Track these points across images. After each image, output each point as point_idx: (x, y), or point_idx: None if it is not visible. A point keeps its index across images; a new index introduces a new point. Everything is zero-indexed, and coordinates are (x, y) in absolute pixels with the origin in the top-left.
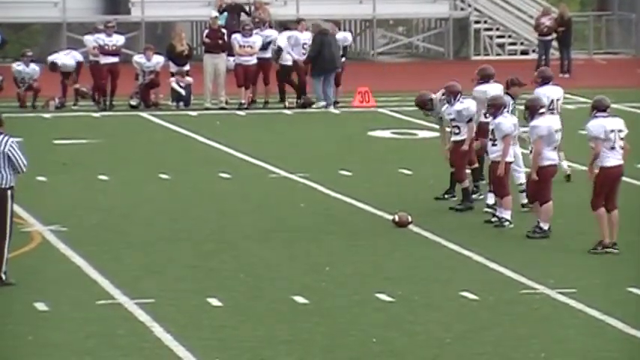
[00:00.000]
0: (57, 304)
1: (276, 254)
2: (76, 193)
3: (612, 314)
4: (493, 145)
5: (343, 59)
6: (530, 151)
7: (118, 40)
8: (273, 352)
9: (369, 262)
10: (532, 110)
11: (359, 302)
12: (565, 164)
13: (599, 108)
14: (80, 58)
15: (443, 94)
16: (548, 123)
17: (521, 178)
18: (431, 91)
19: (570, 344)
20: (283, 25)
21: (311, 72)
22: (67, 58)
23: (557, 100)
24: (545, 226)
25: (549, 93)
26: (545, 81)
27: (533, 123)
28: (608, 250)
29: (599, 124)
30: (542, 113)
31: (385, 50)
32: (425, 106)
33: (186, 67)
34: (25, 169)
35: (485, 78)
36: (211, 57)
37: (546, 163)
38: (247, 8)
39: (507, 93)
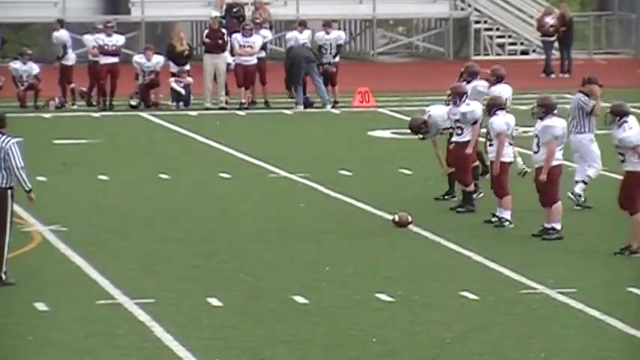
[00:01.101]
0: (57, 304)
1: (276, 254)
2: (76, 193)
3: (612, 314)
4: (490, 145)
5: (337, 58)
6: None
7: (118, 40)
8: (273, 352)
9: (369, 262)
10: (547, 109)
11: (359, 302)
12: (519, 160)
13: (627, 113)
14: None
15: (448, 96)
16: (562, 124)
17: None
18: (425, 106)
19: (570, 344)
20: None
21: (291, 84)
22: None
23: (507, 98)
24: (558, 226)
25: (503, 91)
26: (498, 79)
27: (548, 123)
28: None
29: (637, 133)
30: (555, 114)
31: (385, 50)
32: (420, 129)
33: (187, 67)
34: (19, 172)
35: (472, 75)
36: (211, 57)
37: (555, 163)
38: (237, 9)
39: (581, 91)
